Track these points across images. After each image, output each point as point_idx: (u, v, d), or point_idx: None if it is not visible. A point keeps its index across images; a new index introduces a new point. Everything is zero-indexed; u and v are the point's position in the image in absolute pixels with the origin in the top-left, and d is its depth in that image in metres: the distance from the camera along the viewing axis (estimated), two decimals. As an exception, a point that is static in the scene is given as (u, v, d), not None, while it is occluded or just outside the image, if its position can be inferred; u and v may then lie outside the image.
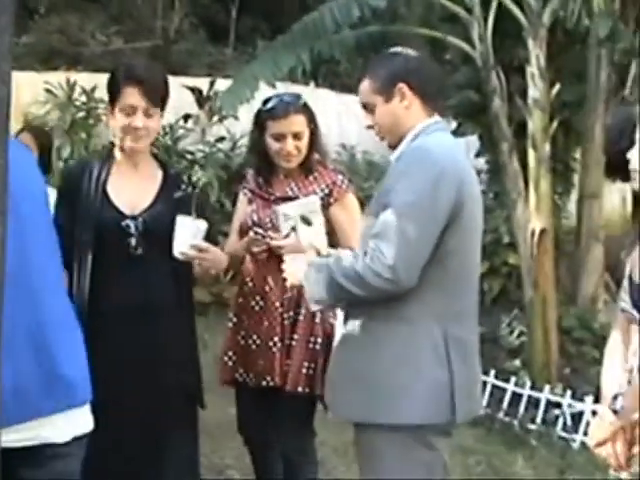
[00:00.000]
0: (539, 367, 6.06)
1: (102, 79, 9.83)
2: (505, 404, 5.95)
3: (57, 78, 9.46)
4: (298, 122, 3.61)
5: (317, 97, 11.53)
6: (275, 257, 3.44)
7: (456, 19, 6.74)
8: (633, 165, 2.66)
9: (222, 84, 9.27)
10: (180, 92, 10.02)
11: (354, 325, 2.84)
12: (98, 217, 3.17)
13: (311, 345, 3.54)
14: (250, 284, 3.65)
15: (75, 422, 2.39)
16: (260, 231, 3.52)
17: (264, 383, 3.56)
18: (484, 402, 5.97)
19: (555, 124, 6.09)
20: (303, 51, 6.19)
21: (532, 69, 5.90)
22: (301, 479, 3.68)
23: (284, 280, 3.38)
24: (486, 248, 7.72)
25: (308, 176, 3.67)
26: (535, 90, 5.92)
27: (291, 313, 3.56)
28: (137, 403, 3.13)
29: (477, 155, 8.13)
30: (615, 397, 2.64)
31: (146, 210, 3.22)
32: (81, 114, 9.14)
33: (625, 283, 2.78)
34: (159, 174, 3.34)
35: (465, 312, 2.88)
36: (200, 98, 9.90)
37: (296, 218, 3.29)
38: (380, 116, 2.90)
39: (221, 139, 9.58)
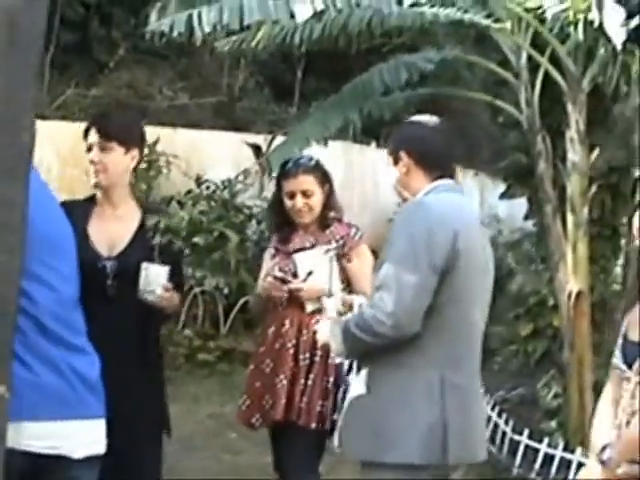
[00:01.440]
0: (573, 429, 6.05)
1: (164, 132, 10.31)
2: (537, 465, 5.95)
3: (122, 131, 9.78)
4: (307, 181, 3.96)
5: (379, 156, 11.77)
6: (292, 301, 3.85)
7: (506, 84, 6.89)
8: (634, 226, 2.79)
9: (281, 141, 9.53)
10: (241, 148, 10.32)
11: (362, 373, 3.06)
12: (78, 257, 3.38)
13: (325, 384, 3.82)
14: (273, 328, 3.95)
15: (90, 439, 2.59)
16: (280, 275, 3.79)
17: (271, 419, 3.86)
18: (516, 462, 6.01)
19: (594, 188, 6.16)
20: (351, 111, 6.38)
21: (571, 133, 5.99)
22: None
23: (299, 323, 3.71)
24: (531, 310, 7.82)
25: (324, 230, 3.99)
26: (574, 154, 6.00)
27: (307, 355, 3.84)
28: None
29: (526, 217, 8.19)
30: (604, 448, 2.72)
31: (122, 252, 3.48)
32: (143, 166, 9.43)
33: (619, 341, 2.88)
34: (137, 217, 3.59)
35: (463, 360, 3.05)
36: (259, 154, 10.17)
37: (312, 264, 3.62)
38: (391, 176, 3.22)
39: (278, 194, 9.78)
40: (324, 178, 4.02)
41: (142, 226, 3.55)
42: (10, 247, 2.12)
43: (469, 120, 13.54)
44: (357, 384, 3.08)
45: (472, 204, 3.35)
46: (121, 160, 3.49)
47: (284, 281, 3.83)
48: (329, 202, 4.02)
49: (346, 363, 3.44)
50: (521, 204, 8.38)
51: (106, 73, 11.28)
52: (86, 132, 3.56)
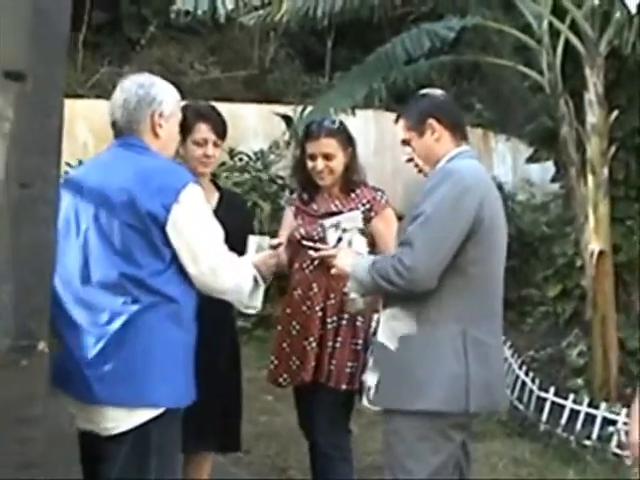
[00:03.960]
0: (598, 385, 6.21)
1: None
2: (563, 420, 6.11)
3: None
4: (328, 144, 4.00)
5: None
6: (321, 266, 3.83)
7: (529, 49, 7.01)
8: None
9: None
10: (273, 120, 10.47)
11: (386, 326, 3.25)
12: None
13: (353, 347, 3.93)
14: (299, 291, 4.04)
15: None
16: (308, 245, 3.80)
17: (300, 379, 3.95)
18: (543, 418, 6.18)
19: (614, 149, 6.27)
20: (375, 81, 6.54)
21: (590, 96, 6.12)
22: (336, 475, 3.99)
23: (327, 288, 3.79)
24: (559, 271, 7.95)
25: (350, 194, 4.05)
26: (592, 116, 6.13)
27: (334, 318, 3.94)
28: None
29: (553, 180, 8.31)
30: None
31: None
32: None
33: None
34: (216, 195, 3.98)
35: (485, 316, 3.21)
36: (290, 124, 10.29)
37: (341, 229, 3.67)
38: (416, 149, 3.34)
39: (310, 164, 9.92)
40: (347, 141, 4.05)
41: (221, 202, 3.95)
42: (46, 218, 2.32)
43: (501, 85, 13.59)
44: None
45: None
46: (221, 153, 3.96)
47: (314, 249, 3.75)
48: (352, 165, 4.06)
49: (373, 325, 3.60)
50: (553, 168, 8.49)
51: (138, 50, 11.47)
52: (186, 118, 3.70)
